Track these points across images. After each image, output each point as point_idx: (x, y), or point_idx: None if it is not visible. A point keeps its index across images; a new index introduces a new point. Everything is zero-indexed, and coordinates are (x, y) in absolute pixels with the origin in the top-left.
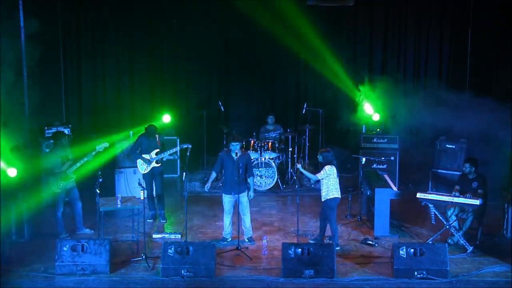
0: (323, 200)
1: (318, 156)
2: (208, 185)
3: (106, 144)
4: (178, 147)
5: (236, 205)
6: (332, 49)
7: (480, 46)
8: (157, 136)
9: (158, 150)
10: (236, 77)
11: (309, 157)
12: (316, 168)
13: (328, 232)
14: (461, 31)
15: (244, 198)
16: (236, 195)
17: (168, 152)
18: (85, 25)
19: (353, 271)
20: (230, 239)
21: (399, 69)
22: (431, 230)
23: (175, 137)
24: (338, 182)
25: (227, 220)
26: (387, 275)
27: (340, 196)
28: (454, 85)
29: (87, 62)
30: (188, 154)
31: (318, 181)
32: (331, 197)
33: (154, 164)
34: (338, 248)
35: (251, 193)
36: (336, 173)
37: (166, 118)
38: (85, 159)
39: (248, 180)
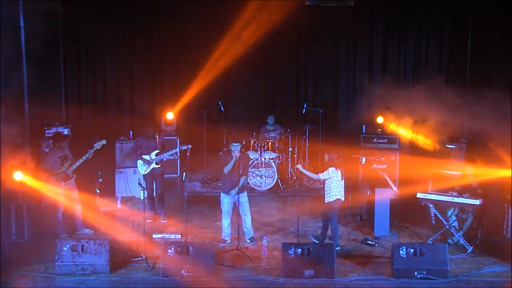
0: (326, 201)
1: (325, 157)
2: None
3: (104, 142)
4: (178, 148)
5: (235, 207)
6: (332, 49)
7: (480, 45)
8: (157, 137)
9: (158, 151)
10: (236, 77)
11: (309, 157)
12: (317, 168)
13: (328, 232)
14: (461, 31)
15: (244, 198)
16: (236, 196)
17: (168, 154)
18: (85, 25)
19: (353, 271)
20: (229, 241)
21: (399, 69)
22: (431, 230)
23: (175, 137)
24: (343, 185)
25: (225, 222)
26: (387, 275)
27: (343, 199)
28: (454, 85)
29: (87, 62)
30: (188, 154)
31: (316, 181)
32: (334, 199)
33: (154, 165)
34: (338, 248)
35: (233, 191)
36: (340, 176)
37: (169, 116)
38: (84, 157)
39: (240, 179)
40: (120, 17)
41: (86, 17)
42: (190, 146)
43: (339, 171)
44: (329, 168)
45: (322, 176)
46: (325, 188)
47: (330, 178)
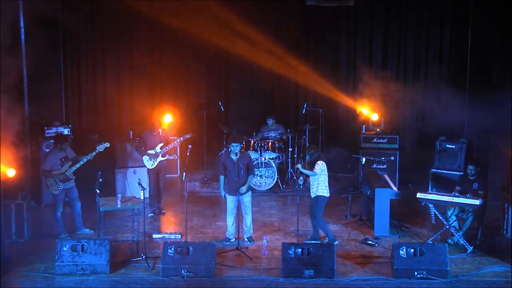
0: (312, 196)
1: (306, 155)
2: (221, 190)
3: (107, 144)
4: (181, 138)
5: (239, 206)
6: (332, 49)
7: (480, 44)
8: (160, 131)
9: (162, 144)
10: (236, 77)
11: None
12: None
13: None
14: (461, 30)
15: (246, 198)
16: (240, 196)
17: (173, 145)
18: (85, 25)
19: (353, 271)
20: (233, 239)
21: (399, 68)
22: (431, 230)
23: (175, 138)
24: (327, 179)
25: (230, 220)
26: (387, 275)
27: (328, 195)
28: (454, 84)
29: (87, 62)
30: (188, 154)
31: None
32: (320, 194)
33: (160, 158)
34: (337, 242)
35: (244, 188)
36: (326, 170)
37: (168, 119)
38: (85, 159)
39: (248, 177)
40: (120, 17)
41: (86, 16)
42: (191, 135)
43: (325, 164)
44: (319, 162)
45: (317, 171)
46: (312, 183)
47: (322, 171)
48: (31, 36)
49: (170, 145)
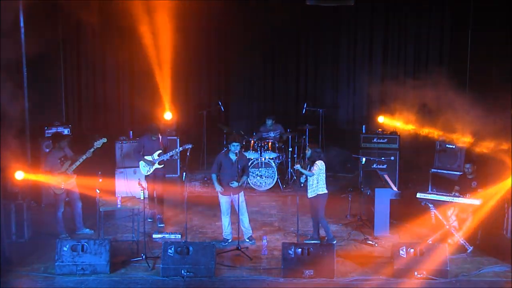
0: (313, 195)
1: (307, 151)
2: (217, 186)
3: (104, 140)
4: (180, 148)
5: (234, 205)
6: (332, 49)
7: (480, 44)
8: (160, 137)
9: (160, 151)
10: (236, 77)
11: None
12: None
13: (322, 232)
14: (461, 30)
15: (240, 198)
16: (234, 196)
17: (170, 154)
18: (85, 25)
19: (353, 271)
20: (231, 239)
21: (399, 68)
22: (431, 230)
23: (175, 138)
24: (325, 177)
25: (225, 221)
26: (387, 275)
27: (327, 192)
28: (454, 84)
29: (87, 62)
30: (188, 154)
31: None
32: (321, 192)
33: (156, 165)
34: (335, 242)
35: (235, 182)
36: (324, 168)
37: (168, 115)
38: (84, 156)
39: (242, 177)
40: (120, 17)
41: (86, 16)
42: (191, 146)
43: (324, 164)
44: (317, 162)
45: (315, 172)
46: (310, 183)
47: (320, 170)
48: (31, 35)
49: (168, 154)
